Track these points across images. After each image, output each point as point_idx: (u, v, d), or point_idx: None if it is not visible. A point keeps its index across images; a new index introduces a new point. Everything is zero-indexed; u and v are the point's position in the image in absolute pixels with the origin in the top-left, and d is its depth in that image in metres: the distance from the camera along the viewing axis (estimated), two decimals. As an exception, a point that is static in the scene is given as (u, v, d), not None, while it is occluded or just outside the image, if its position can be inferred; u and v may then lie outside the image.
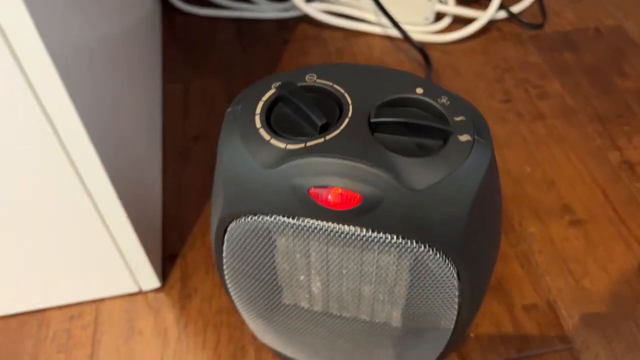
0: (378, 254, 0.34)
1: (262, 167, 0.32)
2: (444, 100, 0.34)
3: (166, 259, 0.55)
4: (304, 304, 0.41)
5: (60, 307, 0.52)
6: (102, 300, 0.53)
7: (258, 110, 0.34)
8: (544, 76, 0.71)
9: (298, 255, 0.36)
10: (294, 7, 0.80)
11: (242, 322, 0.50)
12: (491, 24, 0.79)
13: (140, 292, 0.53)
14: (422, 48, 0.72)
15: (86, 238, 0.46)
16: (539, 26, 0.78)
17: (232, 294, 0.41)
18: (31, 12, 0.32)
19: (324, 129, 0.32)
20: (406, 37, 0.73)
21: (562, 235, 0.56)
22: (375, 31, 0.78)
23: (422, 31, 0.77)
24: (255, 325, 0.44)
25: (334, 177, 0.31)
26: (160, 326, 0.51)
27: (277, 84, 0.35)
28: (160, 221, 0.58)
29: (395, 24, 0.73)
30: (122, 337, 0.50)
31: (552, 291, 0.52)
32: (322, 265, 0.36)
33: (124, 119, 0.51)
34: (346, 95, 0.34)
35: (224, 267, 0.39)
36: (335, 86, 0.35)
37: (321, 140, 0.32)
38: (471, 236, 0.33)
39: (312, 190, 0.31)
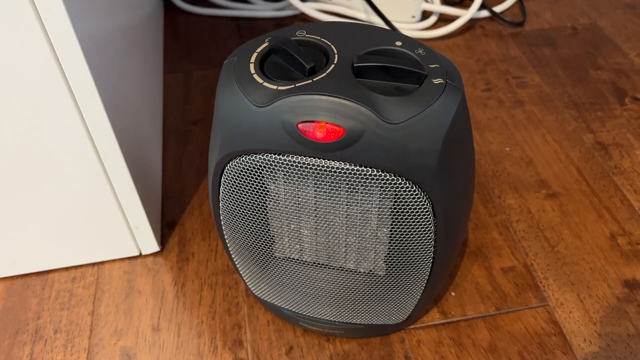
0: (362, 194, 0.37)
1: (255, 105, 0.36)
2: (420, 51, 0.37)
3: (165, 227, 0.58)
4: (294, 254, 0.44)
5: (63, 269, 0.55)
6: (103, 263, 0.55)
7: (252, 59, 0.38)
8: (523, 68, 0.76)
9: (288, 197, 0.39)
10: (290, 6, 0.85)
11: (237, 282, 0.53)
12: (475, 22, 0.83)
13: (140, 256, 0.56)
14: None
15: (92, 199, 0.50)
16: (520, 24, 0.82)
17: (228, 242, 0.44)
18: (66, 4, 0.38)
19: (312, 72, 0.36)
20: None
21: (539, 207, 0.59)
22: (365, 28, 0.82)
23: (410, 28, 0.81)
24: (248, 274, 0.47)
25: (320, 113, 0.34)
26: (159, 286, 0.53)
27: (270, 38, 0.39)
28: (160, 193, 0.61)
29: (386, 21, 0.78)
30: (122, 295, 0.53)
31: (529, 255, 0.55)
32: (311, 209, 0.40)
33: (131, 96, 0.55)
34: (332, 46, 0.38)
35: (221, 211, 0.42)
36: (323, 40, 0.38)
37: (309, 81, 0.35)
38: (444, 170, 0.36)
39: (301, 125, 0.35)
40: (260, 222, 0.41)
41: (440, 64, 0.37)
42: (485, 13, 0.83)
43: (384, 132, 0.34)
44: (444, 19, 0.83)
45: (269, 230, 0.42)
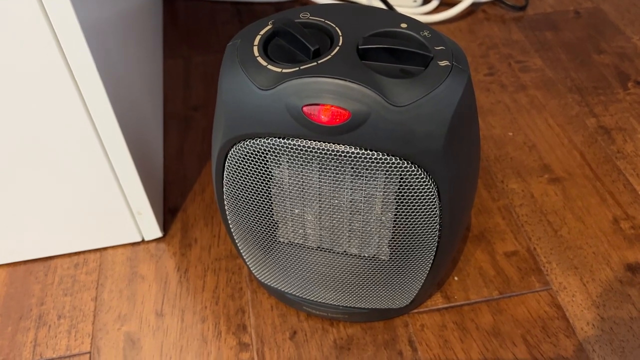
0: (367, 179, 0.37)
1: (259, 88, 0.35)
2: (425, 33, 0.37)
3: (167, 213, 0.58)
4: (298, 239, 0.44)
5: (66, 255, 0.55)
6: (106, 249, 0.55)
7: (256, 42, 0.37)
8: (526, 52, 0.75)
9: (293, 182, 0.39)
10: (289, -9, 0.84)
11: (240, 267, 0.53)
12: (477, 6, 0.83)
13: (142, 242, 0.56)
14: (410, 26, 0.76)
15: (95, 185, 0.49)
16: (522, 8, 0.82)
17: (231, 226, 0.44)
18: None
19: (317, 55, 0.36)
20: (396, 17, 0.77)
21: (542, 191, 0.59)
22: (366, 13, 0.82)
23: (412, 13, 0.81)
24: (252, 259, 0.47)
25: (325, 95, 0.34)
26: (162, 271, 0.53)
27: (273, 20, 0.38)
28: (162, 179, 0.61)
29: (388, 5, 0.77)
30: (125, 281, 0.53)
31: (532, 240, 0.55)
32: (315, 194, 0.39)
33: (132, 81, 0.54)
34: (337, 29, 0.37)
35: (225, 196, 0.42)
36: (327, 22, 0.38)
37: (314, 64, 0.35)
38: (450, 153, 0.36)
39: (305, 108, 0.34)
40: (264, 207, 0.41)
41: (445, 46, 0.36)
42: (487, -3, 0.82)
43: (389, 114, 0.34)
44: (446, 3, 0.83)
45: (272, 215, 0.42)
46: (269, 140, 0.37)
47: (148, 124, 0.59)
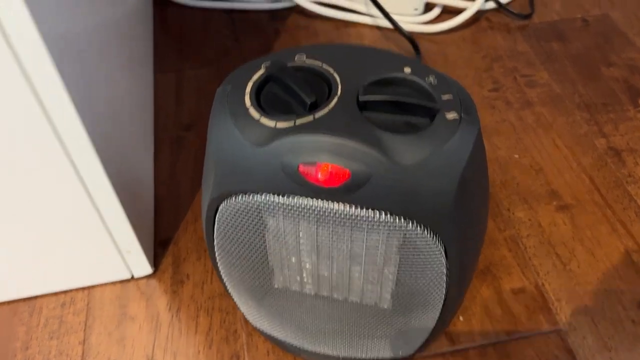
0: (367, 233, 0.34)
1: (252, 145, 0.32)
2: (431, 79, 0.34)
3: (158, 245, 0.56)
4: (295, 286, 0.42)
5: (52, 294, 0.52)
6: (94, 287, 0.53)
7: (248, 89, 0.34)
8: (532, 65, 0.72)
9: (288, 236, 0.36)
10: (285, -2, 0.81)
11: (235, 307, 0.51)
12: (480, 14, 0.79)
13: (132, 279, 0.53)
14: (411, 38, 0.73)
15: (78, 224, 0.47)
16: (528, 16, 0.78)
17: (223, 276, 0.42)
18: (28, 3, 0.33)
19: (313, 108, 0.33)
20: (396, 27, 0.73)
21: (550, 220, 0.56)
22: (365, 21, 0.78)
23: (412, 21, 0.77)
24: (246, 308, 0.44)
25: (322, 154, 0.31)
26: (152, 311, 0.51)
27: (267, 63, 0.35)
28: (153, 207, 0.58)
29: (386, 14, 0.74)
30: (114, 322, 0.50)
31: (540, 275, 0.52)
32: (313, 246, 0.37)
33: (116, 105, 0.51)
34: (335, 74, 0.34)
35: (216, 249, 0.39)
36: (325, 66, 0.35)
37: (310, 118, 0.32)
38: (458, 213, 0.33)
39: (302, 167, 0.32)
40: (258, 260, 0.39)
41: (453, 94, 0.33)
42: (491, 4, 0.79)
43: (393, 174, 0.31)
44: (448, 11, 0.79)
45: (267, 266, 0.39)
46: (263, 197, 0.34)
47: (136, 148, 0.56)
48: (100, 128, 0.44)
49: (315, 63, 0.35)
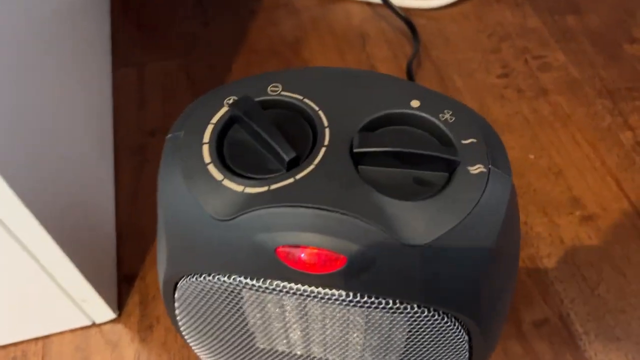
0: (370, 318, 0.27)
1: (213, 217, 0.24)
2: (447, 115, 0.26)
3: (122, 280, 0.48)
4: (281, 347, 0.34)
5: (0, 348, 0.45)
6: (49, 336, 0.45)
7: (206, 137, 0.26)
8: (545, 44, 0.63)
9: (269, 313, 0.29)
10: (260, -29, 0.70)
11: (213, 357, 0.44)
12: (483, -17, 0.70)
13: (93, 325, 0.46)
14: (406, 17, 0.64)
15: (21, 278, 0.39)
16: (537, -15, 0.69)
17: (193, 348, 0.34)
18: None
19: (294, 164, 0.25)
20: (387, 3, 0.64)
21: (573, 234, 0.49)
22: (353, -4, 0.69)
23: (407, -5, 0.68)
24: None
25: (307, 233, 0.23)
26: (118, 365, 0.44)
27: (231, 99, 0.27)
28: (114, 235, 0.50)
29: (376, -12, 0.64)
30: (74, 380, 0.43)
31: (565, 302, 0.45)
32: (300, 322, 0.29)
33: (62, 121, 0.43)
34: (320, 113, 0.26)
35: (179, 324, 0.31)
36: (306, 100, 0.27)
37: (290, 180, 0.24)
38: (486, 294, 0.26)
39: (281, 250, 0.24)
40: (230, 338, 0.31)
41: (476, 136, 0.25)
42: (496, -28, 0.69)
43: (402, 257, 0.23)
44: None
45: (243, 340, 0.32)
46: (231, 280, 0.26)
47: (89, 165, 0.48)
48: (33, 163, 0.35)
49: (295, 97, 0.27)
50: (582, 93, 0.59)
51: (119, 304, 0.47)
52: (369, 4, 0.68)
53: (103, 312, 0.44)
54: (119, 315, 0.46)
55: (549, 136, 0.55)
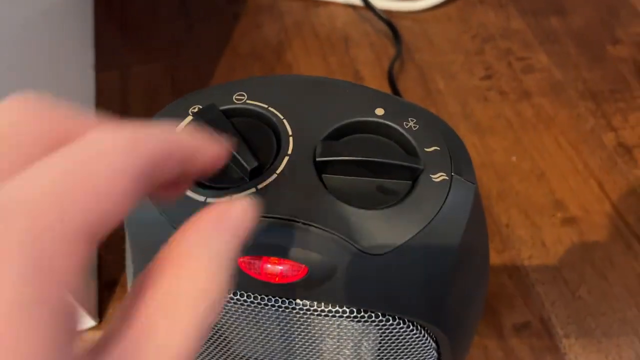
0: (334, 327, 0.26)
1: (175, 226, 0.24)
2: (411, 123, 0.26)
3: (104, 288, 0.48)
4: (253, 356, 0.34)
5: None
6: (28, 344, 0.45)
7: (170, 147, 0.26)
8: (528, 46, 0.63)
9: (235, 323, 0.29)
10: (245, -26, 0.70)
11: (193, 363, 0.43)
12: (468, -15, 0.70)
13: (73, 332, 0.46)
14: (388, 19, 0.64)
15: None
16: (522, -14, 0.69)
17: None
18: None
19: (256, 174, 0.24)
20: (369, 6, 0.64)
21: (555, 237, 0.49)
22: (337, 0, 0.69)
23: (391, -3, 0.68)
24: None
25: (269, 243, 0.23)
26: (98, 372, 0.43)
27: (196, 108, 0.27)
28: (95, 242, 0.50)
29: (360, -9, 0.64)
30: (53, 388, 0.43)
31: (546, 305, 0.45)
32: (264, 332, 0.29)
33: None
34: (285, 122, 0.26)
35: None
36: (271, 109, 0.26)
37: (252, 190, 0.24)
38: (452, 300, 0.25)
39: (242, 260, 0.24)
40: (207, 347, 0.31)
41: (440, 144, 0.25)
42: (480, -27, 0.69)
43: (365, 265, 0.23)
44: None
45: (209, 348, 0.32)
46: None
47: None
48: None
49: (260, 105, 0.27)
50: (565, 95, 0.59)
51: (100, 311, 0.46)
52: (353, 7, 0.68)
53: (83, 319, 0.44)
54: (100, 322, 0.46)
55: (531, 138, 0.55)
